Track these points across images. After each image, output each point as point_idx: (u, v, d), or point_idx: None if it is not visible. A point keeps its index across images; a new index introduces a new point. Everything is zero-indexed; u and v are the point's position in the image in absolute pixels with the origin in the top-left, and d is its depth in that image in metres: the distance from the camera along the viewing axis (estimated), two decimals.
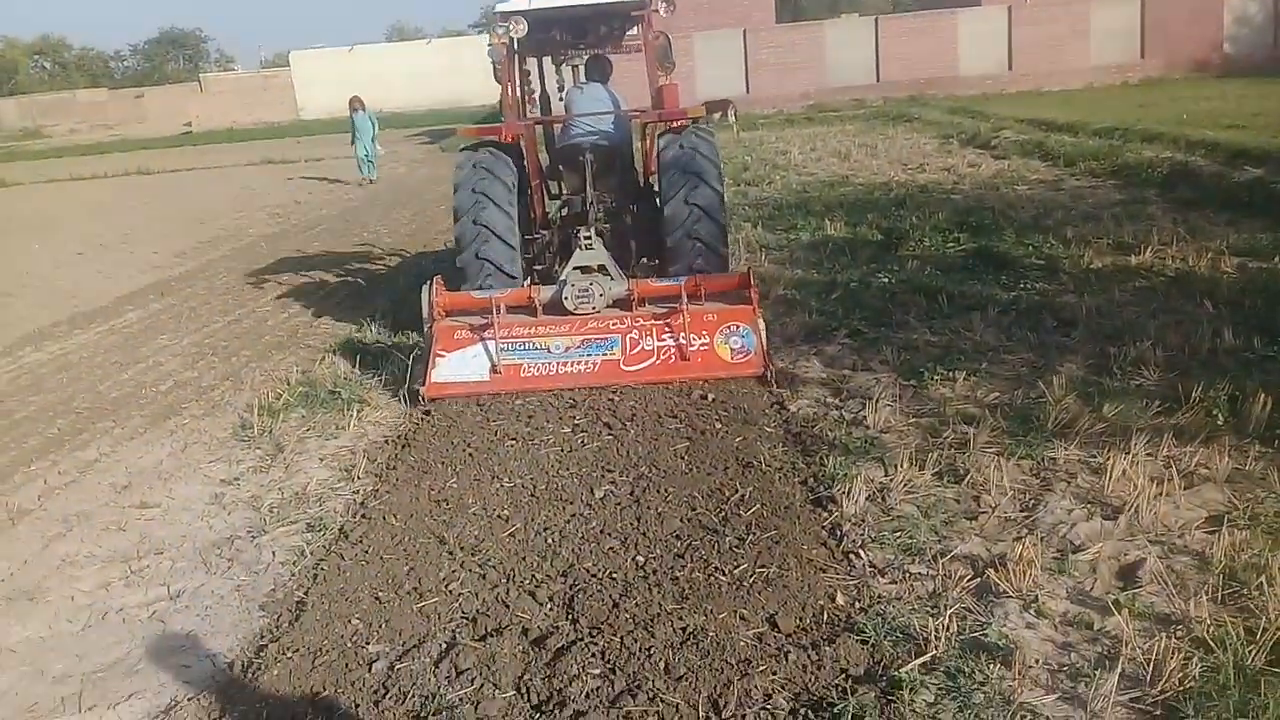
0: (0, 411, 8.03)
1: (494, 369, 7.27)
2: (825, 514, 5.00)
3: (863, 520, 4.90)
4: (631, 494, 5.39)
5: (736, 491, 5.29)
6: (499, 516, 5.24)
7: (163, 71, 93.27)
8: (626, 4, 8.48)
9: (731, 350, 7.26)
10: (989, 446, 5.58)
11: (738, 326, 7.31)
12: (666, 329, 7.36)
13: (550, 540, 4.93)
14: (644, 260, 9.11)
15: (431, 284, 7.68)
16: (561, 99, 9.74)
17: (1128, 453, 5.23)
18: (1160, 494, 4.83)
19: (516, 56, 8.91)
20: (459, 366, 7.32)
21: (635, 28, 9.21)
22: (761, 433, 6.15)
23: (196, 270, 13.84)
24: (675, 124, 8.43)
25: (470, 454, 6.14)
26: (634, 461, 5.82)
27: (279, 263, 13.81)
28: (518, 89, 9.08)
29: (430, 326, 7.53)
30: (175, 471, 6.39)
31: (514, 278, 7.96)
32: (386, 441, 6.62)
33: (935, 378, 6.68)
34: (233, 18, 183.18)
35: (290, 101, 58.41)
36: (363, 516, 5.41)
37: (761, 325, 7.35)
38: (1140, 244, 9.91)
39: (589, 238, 7.93)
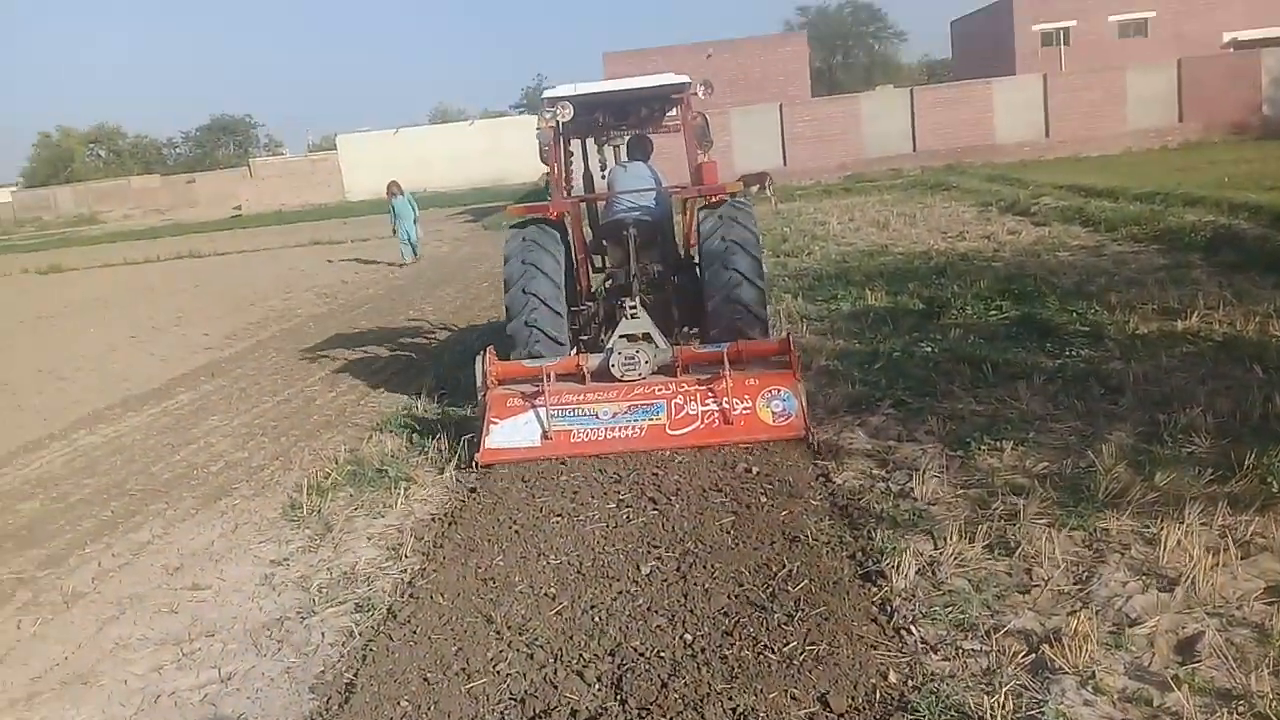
0: (56, 494, 8.19)
1: (545, 435, 7.52)
2: (875, 589, 4.95)
3: (913, 595, 4.84)
4: (678, 570, 5.37)
5: (784, 566, 5.25)
6: (546, 595, 5.24)
7: (214, 157, 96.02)
8: (666, 87, 8.85)
9: (773, 414, 7.46)
10: (1039, 518, 5.52)
11: (779, 390, 7.52)
12: (710, 394, 7.58)
13: (597, 618, 4.92)
14: (686, 329, 9.32)
15: (484, 354, 7.98)
16: (604, 177, 10.11)
17: (1182, 522, 5.15)
18: (1216, 564, 4.74)
19: (562, 138, 9.33)
20: (511, 433, 7.58)
21: (675, 109, 9.54)
22: (807, 506, 6.12)
23: (246, 351, 14.10)
24: (714, 199, 8.71)
25: (516, 531, 6.16)
26: (680, 537, 5.81)
27: (327, 342, 14.04)
28: (563, 168, 9.46)
29: (483, 395, 7.79)
30: (226, 552, 6.47)
31: (561, 344, 8.31)
32: (433, 519, 6.66)
33: (982, 448, 6.63)
34: (282, 103, 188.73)
35: (337, 184, 59.86)
36: (410, 596, 5.44)
37: (802, 389, 7.55)
38: (1186, 309, 9.83)
39: (634, 307, 8.28)
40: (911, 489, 6.14)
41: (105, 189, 75.88)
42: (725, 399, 7.51)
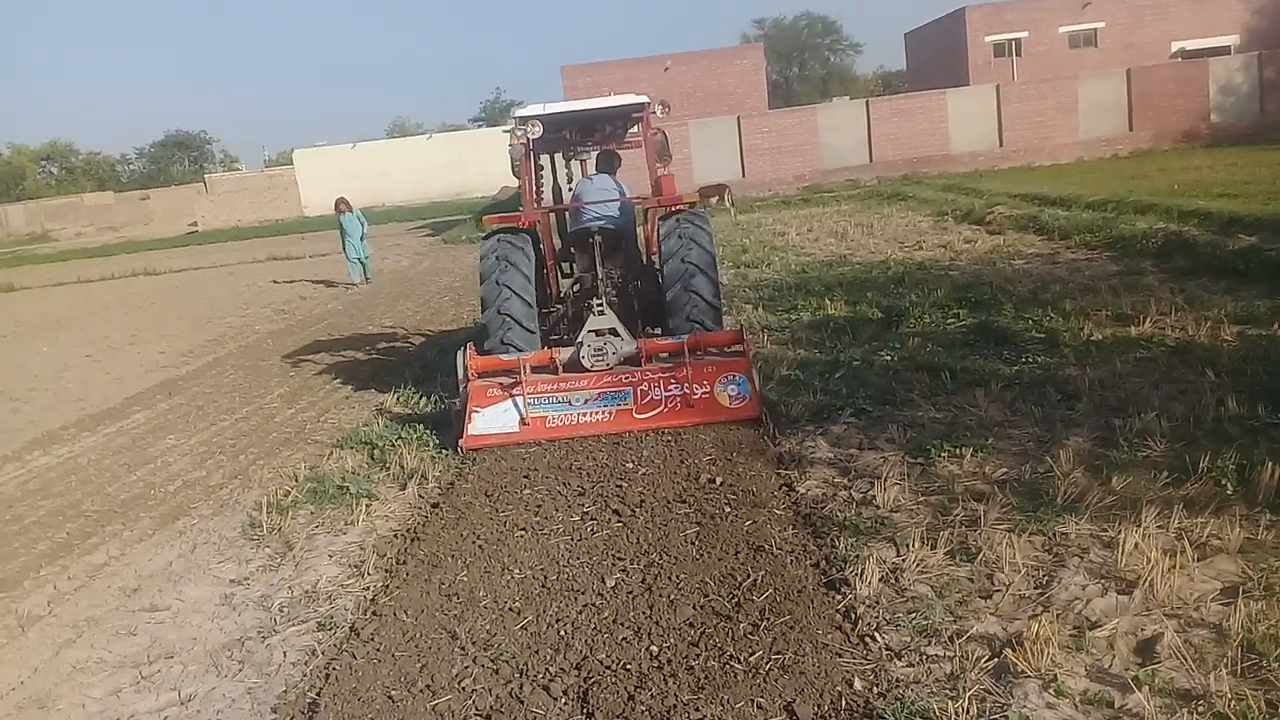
0: (10, 517, 8.04)
1: (523, 421, 8.19)
2: (839, 597, 4.98)
3: (877, 602, 4.88)
4: (643, 582, 5.37)
5: (748, 576, 5.27)
6: (510, 609, 5.22)
7: (168, 173, 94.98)
8: (627, 106, 9.58)
9: (730, 397, 8.18)
10: (999, 523, 5.57)
11: (734, 376, 8.25)
12: (672, 380, 8.30)
13: (563, 632, 4.91)
14: (648, 329, 9.78)
15: (465, 350, 8.64)
16: (572, 189, 10.69)
17: (1139, 525, 5.22)
18: (1174, 566, 4.80)
19: (532, 154, 10.04)
20: (492, 420, 8.23)
21: (636, 126, 10.22)
22: (771, 515, 6.14)
23: (204, 369, 13.93)
24: (673, 209, 9.40)
25: (480, 546, 6.13)
26: (644, 549, 5.81)
27: (285, 359, 13.91)
28: (534, 182, 10.17)
29: (465, 387, 8.45)
30: (185, 573, 6.38)
31: (531, 331, 8.99)
32: (396, 536, 6.61)
33: (942, 455, 6.68)
34: (237, 119, 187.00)
35: (294, 199, 59.34)
36: (373, 613, 5.39)
37: (755, 374, 8.27)
38: (1139, 315, 9.98)
39: (600, 304, 9.05)
40: (873, 497, 6.19)
41: (58, 206, 74.65)
42: (686, 385, 8.20)
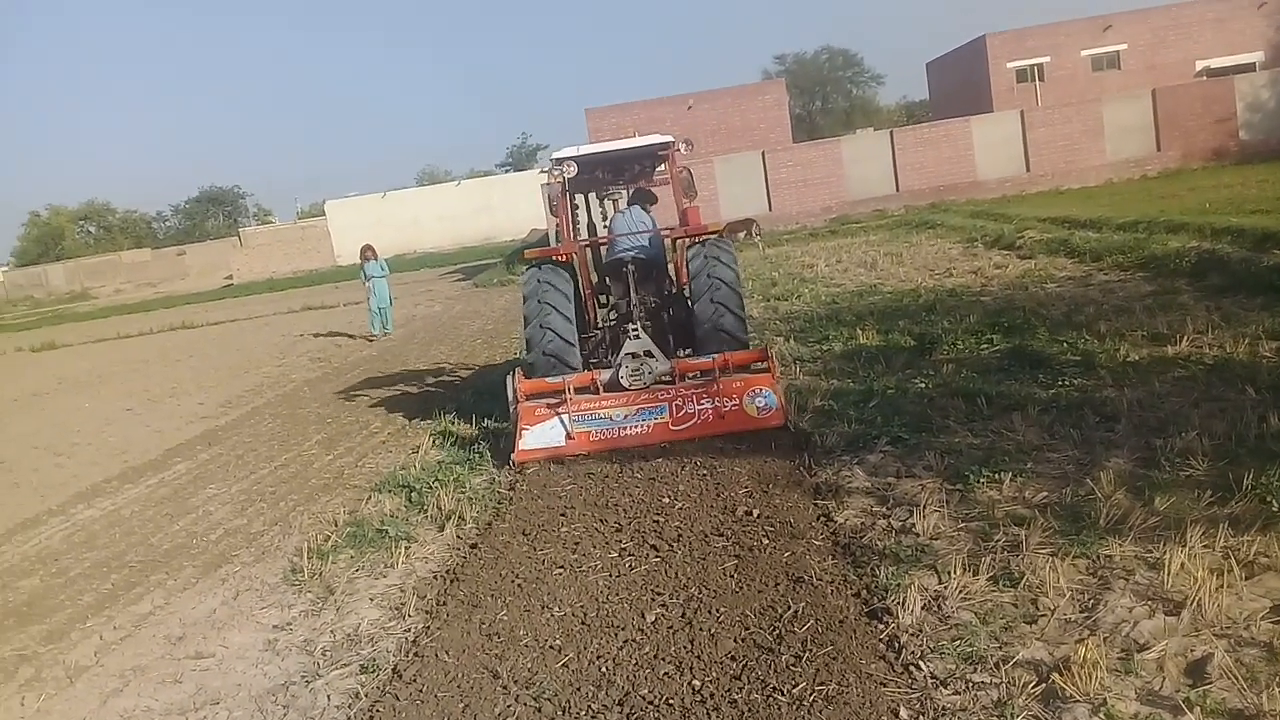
0: (55, 569, 8.14)
1: (569, 436, 8.88)
2: (881, 626, 4.94)
3: (920, 630, 4.83)
4: (683, 616, 5.35)
5: (789, 608, 5.24)
6: (551, 647, 5.22)
7: (203, 229, 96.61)
8: (654, 146, 10.40)
9: (758, 409, 8.80)
10: (1042, 547, 5.52)
11: (761, 390, 8.90)
12: (705, 395, 8.97)
13: (604, 668, 4.90)
14: (679, 351, 10.50)
15: (514, 374, 9.41)
16: (605, 224, 11.52)
17: (1184, 545, 5.16)
18: (1221, 586, 4.74)
19: (568, 193, 10.76)
20: (540, 436, 8.93)
21: (663, 164, 10.86)
22: (810, 546, 6.11)
23: (242, 418, 14.08)
24: (699, 238, 10.15)
25: (519, 585, 6.14)
26: (683, 583, 5.79)
27: (321, 406, 14.04)
28: (570, 218, 10.90)
29: (515, 408, 9.17)
30: (228, 620, 6.43)
31: (571, 344, 9.71)
32: (435, 577, 6.63)
33: (981, 480, 6.63)
34: (269, 172, 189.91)
35: (327, 249, 60.12)
36: (415, 655, 5.41)
37: (780, 387, 8.93)
38: (1175, 334, 9.89)
39: (635, 329, 9.77)
40: (913, 524, 6.15)
41: (96, 265, 76.12)
42: (717, 399, 8.86)
